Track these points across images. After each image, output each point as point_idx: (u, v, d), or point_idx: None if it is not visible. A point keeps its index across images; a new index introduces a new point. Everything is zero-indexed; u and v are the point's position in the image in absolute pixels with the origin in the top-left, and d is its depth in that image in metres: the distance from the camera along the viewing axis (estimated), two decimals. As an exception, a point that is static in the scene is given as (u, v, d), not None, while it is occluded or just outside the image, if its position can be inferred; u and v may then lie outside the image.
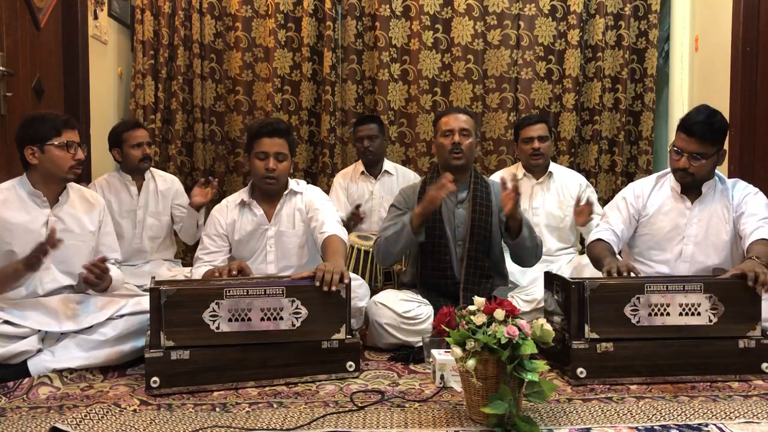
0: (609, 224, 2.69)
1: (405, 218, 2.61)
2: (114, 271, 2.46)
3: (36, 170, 2.36)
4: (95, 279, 2.30)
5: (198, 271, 2.61)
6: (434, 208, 2.58)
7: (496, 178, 3.45)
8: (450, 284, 2.69)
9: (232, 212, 2.70)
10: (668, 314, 2.18)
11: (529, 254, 2.68)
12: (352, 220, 3.49)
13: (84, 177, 3.26)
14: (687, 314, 2.19)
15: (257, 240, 2.69)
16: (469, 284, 2.66)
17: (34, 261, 2.17)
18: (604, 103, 4.08)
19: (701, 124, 2.45)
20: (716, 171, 2.62)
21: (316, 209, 2.64)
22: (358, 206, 3.51)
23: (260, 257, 2.68)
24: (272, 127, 2.64)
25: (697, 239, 2.57)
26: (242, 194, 2.74)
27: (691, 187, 2.60)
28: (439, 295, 2.67)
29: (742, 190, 2.59)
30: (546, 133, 3.34)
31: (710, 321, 2.19)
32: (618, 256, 2.63)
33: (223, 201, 2.78)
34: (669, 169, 2.67)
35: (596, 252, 2.60)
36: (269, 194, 2.70)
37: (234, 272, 2.42)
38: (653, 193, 2.68)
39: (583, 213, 3.20)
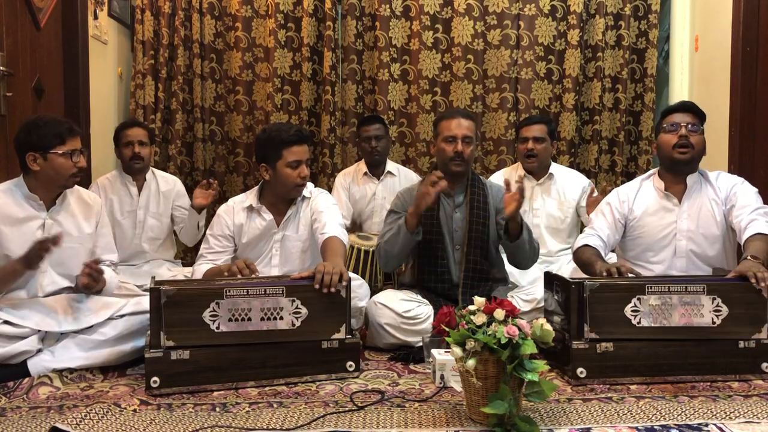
0: (594, 230, 2.68)
1: (401, 220, 2.60)
2: (108, 273, 2.43)
3: (35, 176, 2.32)
4: (92, 282, 2.28)
5: (200, 269, 2.60)
6: (426, 205, 2.49)
7: (496, 178, 3.46)
8: (448, 288, 2.68)
9: (239, 215, 2.67)
10: (670, 315, 2.18)
11: (526, 257, 2.65)
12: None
13: (84, 178, 3.25)
14: (689, 316, 2.18)
15: (264, 243, 2.68)
16: (467, 288, 2.65)
17: (33, 258, 2.15)
18: (604, 103, 4.08)
19: (685, 102, 2.70)
20: (698, 167, 2.63)
21: (321, 212, 2.63)
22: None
23: (265, 260, 2.67)
24: (302, 133, 2.59)
25: (689, 234, 2.57)
26: (250, 199, 2.69)
27: (674, 183, 2.61)
28: (438, 297, 2.67)
29: (728, 182, 2.58)
30: (544, 134, 3.30)
31: (713, 323, 2.18)
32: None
33: (230, 201, 2.74)
34: (652, 171, 2.71)
35: (584, 257, 2.59)
36: (286, 200, 2.67)
37: (244, 271, 2.37)
38: (638, 195, 2.68)
39: (595, 202, 3.06)
